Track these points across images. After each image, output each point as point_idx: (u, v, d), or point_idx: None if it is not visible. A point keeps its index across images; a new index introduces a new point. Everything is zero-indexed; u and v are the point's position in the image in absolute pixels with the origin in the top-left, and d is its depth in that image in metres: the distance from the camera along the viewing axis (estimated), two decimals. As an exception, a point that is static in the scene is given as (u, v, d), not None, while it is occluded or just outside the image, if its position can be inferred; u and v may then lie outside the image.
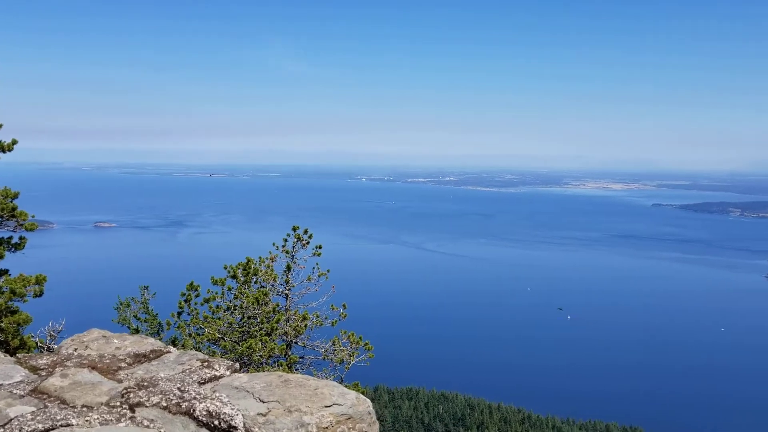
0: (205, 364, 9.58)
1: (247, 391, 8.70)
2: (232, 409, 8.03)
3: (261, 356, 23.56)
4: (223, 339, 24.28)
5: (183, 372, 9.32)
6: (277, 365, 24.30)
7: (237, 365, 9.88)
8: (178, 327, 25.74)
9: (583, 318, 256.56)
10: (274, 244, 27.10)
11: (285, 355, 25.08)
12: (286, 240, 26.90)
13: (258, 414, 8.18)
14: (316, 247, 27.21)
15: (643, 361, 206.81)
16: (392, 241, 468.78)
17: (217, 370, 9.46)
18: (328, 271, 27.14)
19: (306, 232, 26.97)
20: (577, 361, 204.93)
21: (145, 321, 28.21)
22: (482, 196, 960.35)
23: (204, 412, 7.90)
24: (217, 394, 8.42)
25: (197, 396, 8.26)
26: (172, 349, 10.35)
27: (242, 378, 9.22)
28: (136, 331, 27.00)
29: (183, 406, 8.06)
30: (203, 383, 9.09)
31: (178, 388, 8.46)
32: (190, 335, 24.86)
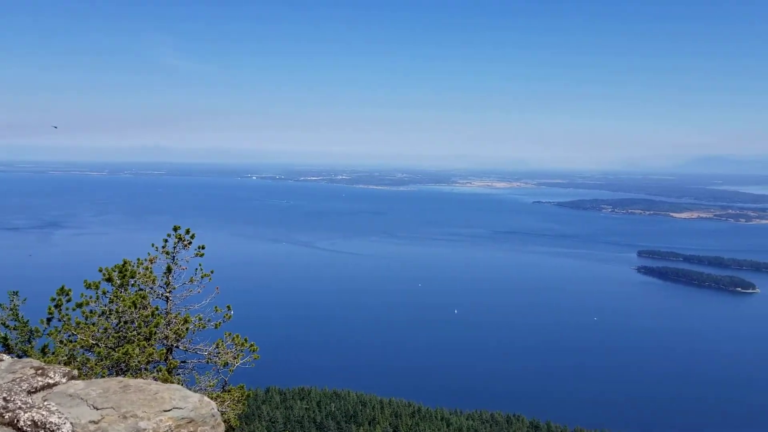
0: (39, 371, 9.12)
1: (82, 399, 8.37)
2: (60, 417, 7.78)
3: (139, 362, 22.61)
4: (98, 345, 23.08)
5: (13, 381, 8.82)
6: (157, 371, 23.42)
7: (75, 372, 9.46)
8: (49, 334, 24.23)
9: (469, 312, 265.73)
10: (153, 245, 26.11)
11: (165, 360, 24.21)
12: (166, 240, 25.95)
13: (90, 422, 7.96)
14: (199, 248, 26.45)
15: (524, 350, 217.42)
16: (284, 239, 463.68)
17: (51, 378, 9.01)
18: (212, 272, 26.46)
19: (188, 231, 26.16)
20: (463, 354, 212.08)
21: (14, 329, 26.30)
22: (374, 194, 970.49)
23: (29, 422, 7.64)
24: (47, 403, 8.14)
25: (23, 405, 7.95)
26: (4, 357, 9.56)
27: (78, 385, 8.81)
28: (5, 339, 25.14)
29: (6, 417, 7.76)
30: (34, 392, 8.66)
31: (3, 398, 8.13)
32: (62, 342, 23.48)
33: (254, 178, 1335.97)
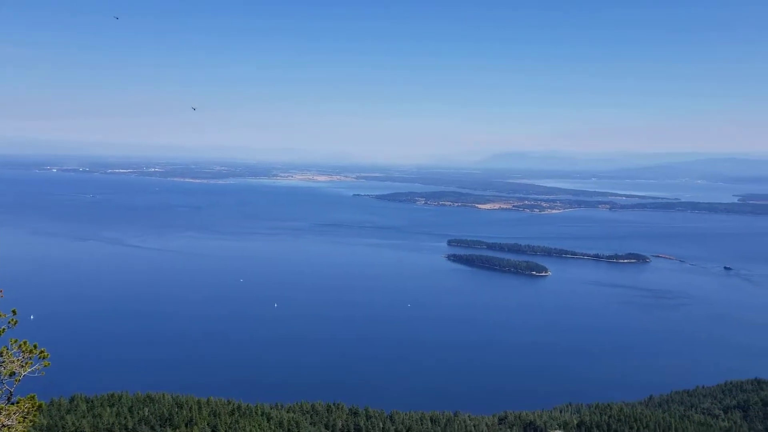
0: None
1: None
2: None
3: None
4: None
5: None
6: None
7: None
8: None
9: (290, 305, 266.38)
10: None
11: (-62, 374, 21.92)
12: (-62, 242, 23.44)
13: None
14: (-21, 250, 24.23)
15: (342, 340, 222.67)
16: (90, 237, 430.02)
17: None
18: (-5, 275, 24.39)
19: (-35, 232, 23.85)
20: (284, 347, 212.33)
21: None
22: (191, 188, 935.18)
23: None
24: None
25: None
26: None
27: None
28: None
29: None
30: None
31: None
32: None
33: (55, 170, 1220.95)
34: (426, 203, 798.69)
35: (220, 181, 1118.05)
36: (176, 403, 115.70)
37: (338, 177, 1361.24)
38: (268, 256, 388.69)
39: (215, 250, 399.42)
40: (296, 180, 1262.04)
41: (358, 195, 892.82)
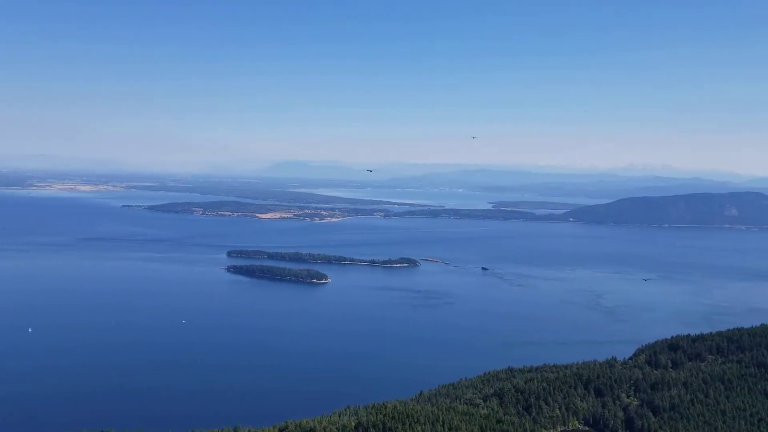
0: None
1: None
2: None
3: None
4: None
5: None
6: None
7: None
8: None
9: (46, 328, 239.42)
10: None
11: None
12: None
13: None
14: None
15: (111, 362, 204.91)
16: None
17: None
18: None
19: None
20: (38, 376, 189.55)
21: None
22: None
23: None
24: None
25: None
26: None
27: None
28: None
29: None
30: None
31: None
32: None
33: None
34: (204, 213, 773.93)
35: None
36: None
37: (105, 187, 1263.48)
38: (23, 276, 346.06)
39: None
40: (55, 190, 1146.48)
41: (128, 206, 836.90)
